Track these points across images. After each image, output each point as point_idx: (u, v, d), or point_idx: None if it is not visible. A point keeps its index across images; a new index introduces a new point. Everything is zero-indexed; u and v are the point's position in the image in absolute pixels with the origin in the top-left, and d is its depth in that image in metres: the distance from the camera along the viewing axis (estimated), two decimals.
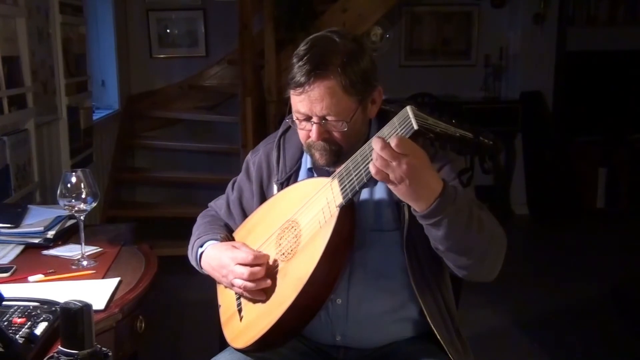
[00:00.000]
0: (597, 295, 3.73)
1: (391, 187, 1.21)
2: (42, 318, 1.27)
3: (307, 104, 1.36)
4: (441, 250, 1.32)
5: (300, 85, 1.35)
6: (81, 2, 3.62)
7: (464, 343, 1.51)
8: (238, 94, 4.39)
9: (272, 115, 4.32)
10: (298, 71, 1.35)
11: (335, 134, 1.39)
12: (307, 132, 1.41)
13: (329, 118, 1.36)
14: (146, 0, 5.10)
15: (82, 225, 1.70)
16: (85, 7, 3.81)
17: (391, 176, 1.18)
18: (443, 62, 5.59)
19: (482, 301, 3.38)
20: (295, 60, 1.38)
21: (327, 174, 1.40)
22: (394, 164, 1.16)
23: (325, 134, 1.39)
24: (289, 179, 1.54)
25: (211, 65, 5.12)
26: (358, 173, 1.27)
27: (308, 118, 1.39)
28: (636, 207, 5.34)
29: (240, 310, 1.48)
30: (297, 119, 1.41)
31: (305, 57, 1.35)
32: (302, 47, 1.39)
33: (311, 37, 1.42)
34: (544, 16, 5.28)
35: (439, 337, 1.43)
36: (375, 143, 1.18)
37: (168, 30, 5.18)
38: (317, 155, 1.42)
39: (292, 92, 1.39)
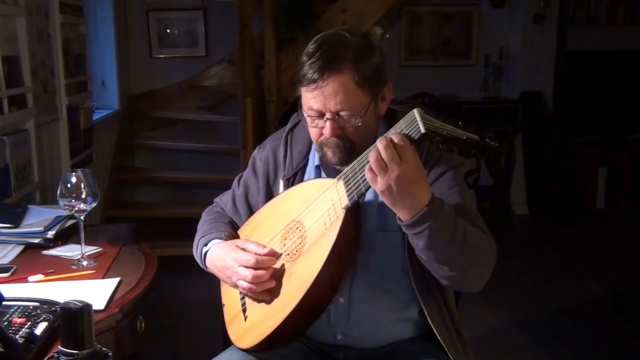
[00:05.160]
0: (597, 295, 3.73)
1: (378, 192, 1.21)
2: (42, 318, 1.27)
3: (320, 99, 1.35)
4: (423, 259, 1.33)
5: (313, 81, 1.34)
6: (81, 2, 3.61)
7: (465, 343, 1.51)
8: (238, 94, 4.39)
9: (272, 115, 4.32)
10: (310, 68, 1.34)
11: (349, 130, 1.38)
12: (319, 129, 1.40)
13: (342, 113, 1.36)
14: (146, 0, 5.11)
15: (82, 225, 1.70)
16: (85, 7, 3.81)
17: (379, 181, 1.19)
18: (443, 62, 5.59)
19: (482, 301, 3.38)
20: (305, 58, 1.37)
21: (335, 172, 1.40)
22: (388, 170, 1.17)
23: (338, 130, 1.37)
24: (296, 175, 1.54)
25: (211, 65, 5.12)
26: (364, 175, 1.26)
27: (321, 115, 1.37)
28: (636, 207, 5.34)
29: (244, 310, 1.48)
30: (309, 116, 1.40)
31: (317, 54, 1.35)
32: (311, 45, 1.38)
33: (320, 35, 1.41)
34: (544, 16, 5.28)
35: (439, 337, 1.43)
36: (379, 141, 1.19)
37: (168, 30, 5.18)
38: (329, 153, 1.41)
39: (304, 89, 1.37)
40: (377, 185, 1.20)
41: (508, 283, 3.60)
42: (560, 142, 5.39)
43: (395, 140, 1.18)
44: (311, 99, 1.37)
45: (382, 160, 1.18)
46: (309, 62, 1.35)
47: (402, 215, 1.24)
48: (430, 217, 1.22)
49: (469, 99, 5.44)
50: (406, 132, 1.20)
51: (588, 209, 5.40)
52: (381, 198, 1.24)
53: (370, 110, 1.38)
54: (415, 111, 1.20)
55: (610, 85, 5.51)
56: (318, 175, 1.53)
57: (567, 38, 5.42)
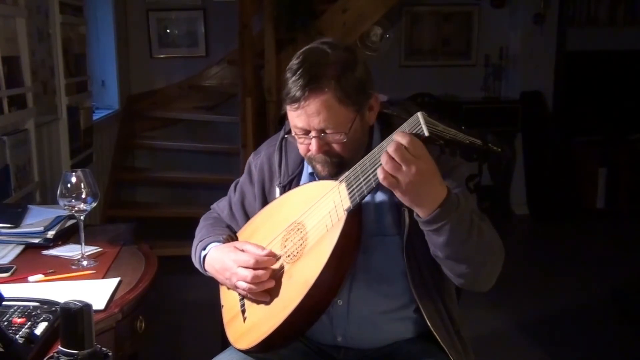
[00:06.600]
0: (597, 295, 3.73)
1: (397, 193, 1.20)
2: (42, 318, 1.27)
3: (304, 118, 1.35)
4: (440, 258, 1.32)
5: (296, 100, 1.34)
6: (81, 2, 3.62)
7: (465, 344, 1.51)
8: (238, 94, 4.39)
9: (272, 115, 4.32)
10: (292, 86, 1.34)
11: (335, 146, 1.38)
12: (306, 146, 1.39)
13: (327, 131, 1.35)
14: (146, 0, 5.11)
15: (82, 225, 1.70)
16: (85, 7, 3.81)
17: (401, 180, 1.17)
18: (443, 62, 5.59)
19: (482, 301, 3.38)
20: (288, 75, 1.36)
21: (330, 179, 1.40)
22: (404, 168, 1.16)
23: (325, 146, 1.37)
24: (291, 183, 1.54)
25: (211, 65, 5.12)
26: (367, 178, 1.26)
27: (307, 132, 1.37)
28: (636, 207, 5.34)
29: (243, 311, 1.48)
30: (296, 133, 1.40)
31: (299, 72, 1.34)
32: (294, 61, 1.37)
33: (303, 50, 1.40)
34: (544, 16, 5.28)
35: (438, 338, 1.43)
36: (389, 146, 1.18)
37: (168, 30, 5.18)
38: (319, 167, 1.42)
39: (288, 107, 1.37)
40: (399, 187, 1.18)
41: (508, 283, 3.57)
42: (560, 142, 5.38)
43: (402, 140, 1.17)
44: (295, 117, 1.36)
45: (395, 160, 1.17)
46: (292, 79, 1.34)
47: (422, 211, 1.23)
48: (450, 211, 1.21)
49: (469, 99, 5.44)
50: None
51: (588, 209, 5.39)
52: (400, 199, 1.22)
53: (356, 124, 1.38)
54: (419, 115, 1.19)
55: (610, 85, 5.50)
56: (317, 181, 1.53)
57: (567, 38, 5.41)
